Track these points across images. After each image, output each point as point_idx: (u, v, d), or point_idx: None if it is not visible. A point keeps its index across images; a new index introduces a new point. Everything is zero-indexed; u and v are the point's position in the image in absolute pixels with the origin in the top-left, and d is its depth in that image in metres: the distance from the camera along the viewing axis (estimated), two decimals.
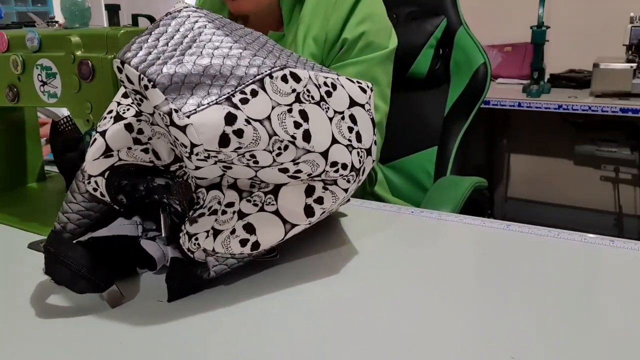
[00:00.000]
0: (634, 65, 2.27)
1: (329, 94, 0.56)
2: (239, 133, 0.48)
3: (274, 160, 0.51)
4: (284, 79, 0.52)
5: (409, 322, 0.51)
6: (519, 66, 2.80)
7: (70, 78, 0.68)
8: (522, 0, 2.80)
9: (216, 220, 0.55)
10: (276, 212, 0.55)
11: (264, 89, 0.51)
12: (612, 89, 2.30)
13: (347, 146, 0.56)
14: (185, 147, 0.48)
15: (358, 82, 0.62)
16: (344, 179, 0.57)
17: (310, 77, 0.55)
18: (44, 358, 0.47)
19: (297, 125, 0.52)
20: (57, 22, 0.97)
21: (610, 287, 0.58)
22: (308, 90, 0.54)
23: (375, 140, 0.61)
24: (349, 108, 0.58)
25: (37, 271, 0.62)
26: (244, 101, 0.49)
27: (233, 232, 0.55)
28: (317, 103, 0.55)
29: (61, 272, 0.54)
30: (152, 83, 0.48)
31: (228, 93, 0.49)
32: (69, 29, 0.71)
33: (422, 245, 0.68)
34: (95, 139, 0.58)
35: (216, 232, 0.54)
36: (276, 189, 0.55)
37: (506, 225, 0.73)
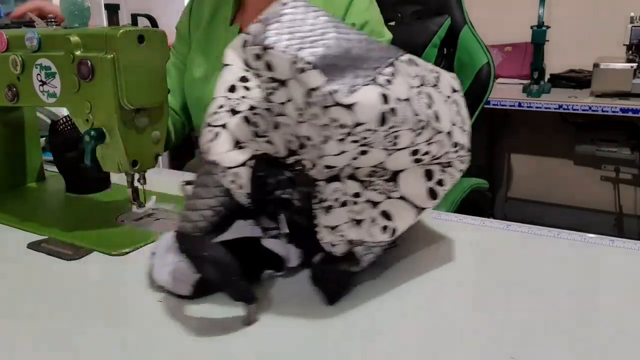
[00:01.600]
0: (634, 65, 2.26)
1: (437, 79, 0.58)
2: (393, 111, 0.49)
3: (412, 142, 0.52)
4: (410, 62, 0.54)
5: (409, 322, 0.51)
6: (519, 66, 2.80)
7: (69, 78, 0.68)
8: (522, 0, 2.80)
9: (351, 211, 0.54)
10: (402, 198, 0.56)
11: (398, 71, 0.52)
12: (612, 89, 2.30)
13: (460, 127, 0.58)
14: (344, 127, 0.48)
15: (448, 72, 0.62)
16: (460, 160, 0.59)
17: (426, 67, 0.57)
18: (43, 358, 0.46)
19: (428, 106, 0.53)
20: (56, 22, 0.97)
21: (610, 287, 0.58)
22: (424, 75, 0.56)
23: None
24: (452, 93, 0.59)
25: (37, 271, 0.62)
26: (388, 82, 0.50)
27: (373, 220, 0.55)
28: (434, 86, 0.56)
29: (210, 273, 0.52)
30: (311, 65, 0.47)
31: (373, 75, 0.49)
32: (68, 28, 0.71)
33: (421, 245, 0.68)
34: (216, 133, 0.57)
35: (358, 222, 0.54)
36: (394, 176, 0.56)
37: (506, 225, 0.73)
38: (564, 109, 2.31)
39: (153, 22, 3.05)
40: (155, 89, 0.69)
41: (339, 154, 0.51)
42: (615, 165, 2.79)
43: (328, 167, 0.53)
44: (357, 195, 0.55)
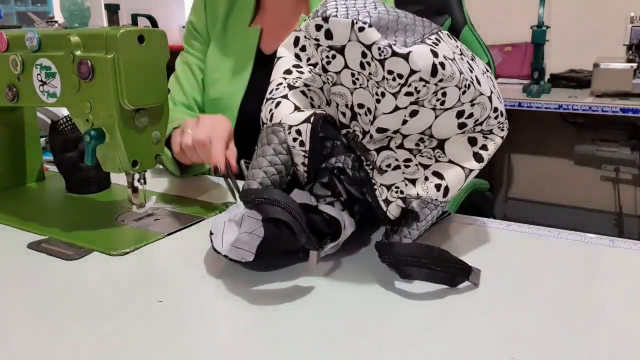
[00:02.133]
0: (634, 65, 2.27)
1: (473, 56, 0.64)
2: (443, 65, 0.54)
3: (459, 100, 0.57)
4: (450, 36, 0.61)
5: (409, 322, 0.51)
6: (519, 66, 2.80)
7: (69, 78, 0.68)
8: (522, 0, 2.80)
9: (404, 172, 0.61)
10: (450, 162, 0.62)
11: (442, 39, 0.58)
12: (613, 89, 2.30)
13: (497, 96, 0.62)
14: (401, 77, 0.54)
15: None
16: (500, 126, 0.63)
17: (456, 45, 0.61)
18: (43, 358, 0.46)
19: (470, 70, 0.59)
20: (56, 21, 0.97)
21: (610, 287, 0.58)
22: (463, 48, 0.62)
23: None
24: (486, 71, 0.64)
25: (37, 271, 0.62)
26: (435, 44, 0.56)
27: (426, 178, 0.61)
28: (472, 59, 0.62)
29: (279, 214, 0.54)
30: (367, 24, 0.54)
31: (421, 38, 0.56)
32: (68, 28, 0.71)
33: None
34: (278, 102, 0.64)
35: (412, 180, 0.61)
36: (441, 144, 0.61)
37: (506, 225, 0.73)
38: (564, 109, 2.31)
39: (153, 22, 3.06)
40: (155, 89, 0.69)
41: (392, 112, 0.57)
42: (615, 165, 2.79)
43: (380, 130, 0.59)
44: (408, 160, 0.61)
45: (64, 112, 0.89)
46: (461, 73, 0.56)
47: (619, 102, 2.24)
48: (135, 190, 0.74)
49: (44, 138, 0.98)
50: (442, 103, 0.57)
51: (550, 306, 0.53)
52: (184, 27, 3.75)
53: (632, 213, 2.81)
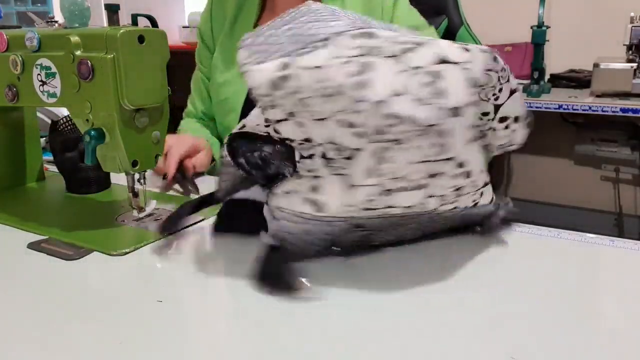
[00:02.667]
0: (634, 65, 2.26)
1: (406, 50, 0.56)
2: (285, 78, 0.54)
3: (327, 109, 0.54)
4: (355, 37, 0.56)
5: (409, 322, 0.51)
6: (519, 66, 2.80)
7: (69, 78, 0.68)
8: (522, 0, 2.80)
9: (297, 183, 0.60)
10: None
11: (332, 44, 0.55)
12: (613, 89, 2.30)
13: (412, 100, 0.54)
14: (252, 93, 0.55)
15: (462, 45, 0.58)
16: (399, 135, 0.54)
17: (388, 37, 0.56)
18: (43, 357, 0.46)
19: (353, 74, 0.54)
20: (56, 21, 0.97)
21: (610, 287, 0.58)
22: (379, 47, 0.55)
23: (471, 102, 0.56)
24: (433, 64, 0.55)
25: (37, 271, 0.62)
26: (305, 54, 0.55)
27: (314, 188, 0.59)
28: (389, 57, 0.55)
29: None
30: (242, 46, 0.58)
31: (295, 50, 0.55)
32: (68, 28, 0.71)
33: (420, 245, 0.68)
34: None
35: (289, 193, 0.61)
36: (350, 156, 0.56)
37: None
38: (564, 109, 2.31)
39: (153, 22, 3.06)
40: (155, 89, 0.69)
41: (277, 122, 0.58)
42: (615, 165, 2.79)
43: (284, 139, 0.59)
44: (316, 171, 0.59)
45: (64, 112, 0.89)
46: (318, 82, 0.53)
47: (619, 102, 2.24)
48: (135, 194, 0.74)
49: (44, 138, 0.98)
50: (311, 114, 0.55)
51: (550, 306, 0.53)
52: (184, 27, 3.73)
53: (632, 213, 2.81)
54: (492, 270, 0.61)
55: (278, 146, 0.60)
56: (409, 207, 0.58)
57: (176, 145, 0.91)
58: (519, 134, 0.65)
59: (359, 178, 0.55)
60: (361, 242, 0.63)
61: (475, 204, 0.62)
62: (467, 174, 0.59)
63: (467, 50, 0.57)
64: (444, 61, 0.55)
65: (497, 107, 0.60)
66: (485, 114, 0.60)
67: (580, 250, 0.66)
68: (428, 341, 0.48)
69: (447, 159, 0.56)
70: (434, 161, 0.55)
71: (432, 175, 0.56)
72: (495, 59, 0.58)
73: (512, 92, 0.61)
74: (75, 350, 0.47)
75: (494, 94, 0.59)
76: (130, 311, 0.53)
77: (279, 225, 0.60)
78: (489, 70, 0.58)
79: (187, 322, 0.51)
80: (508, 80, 0.60)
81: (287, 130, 0.58)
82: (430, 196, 0.58)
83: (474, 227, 0.68)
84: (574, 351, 0.46)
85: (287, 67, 0.54)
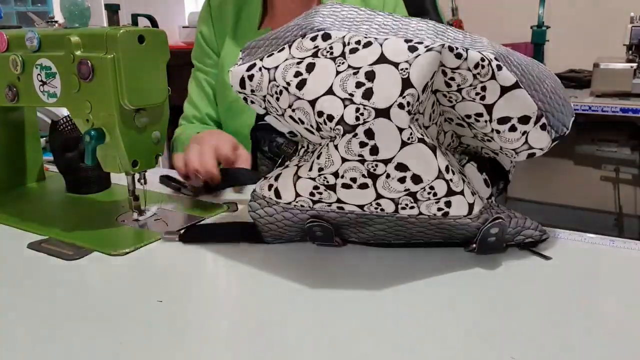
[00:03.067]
0: (634, 65, 2.26)
1: (353, 50, 0.58)
2: (250, 78, 0.61)
3: (280, 106, 0.60)
4: (313, 39, 0.60)
5: (410, 322, 0.51)
6: None
7: (69, 78, 0.68)
8: (522, 0, 2.80)
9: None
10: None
11: (290, 47, 0.60)
12: (613, 89, 2.30)
13: (343, 99, 0.56)
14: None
15: (417, 41, 0.57)
16: (331, 133, 0.57)
17: (343, 37, 0.59)
18: (43, 358, 0.46)
19: (296, 74, 0.58)
20: (56, 21, 0.97)
21: (610, 287, 0.58)
22: (331, 47, 0.59)
23: (405, 102, 0.55)
24: (371, 64, 0.56)
25: (37, 271, 0.62)
26: (269, 56, 0.61)
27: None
28: (333, 58, 0.58)
29: None
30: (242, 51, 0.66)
31: (268, 52, 0.62)
32: (68, 28, 0.71)
33: (412, 255, 0.68)
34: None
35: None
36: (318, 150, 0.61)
37: None
38: None
39: (153, 22, 3.06)
40: (155, 89, 0.69)
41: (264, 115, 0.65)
42: (615, 165, 2.79)
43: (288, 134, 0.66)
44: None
45: (64, 112, 0.89)
46: (272, 81, 0.59)
47: (619, 102, 2.24)
48: (136, 198, 0.74)
49: (44, 138, 0.98)
50: (274, 107, 0.61)
51: (550, 306, 0.53)
52: (184, 27, 3.73)
53: (632, 213, 2.81)
54: (491, 269, 0.61)
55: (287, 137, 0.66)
56: (362, 205, 0.59)
57: (219, 140, 0.85)
58: (534, 138, 0.59)
59: (303, 170, 0.60)
60: (327, 236, 0.65)
61: (445, 213, 0.59)
62: (415, 179, 0.56)
63: (414, 49, 0.56)
64: (383, 61, 0.56)
65: (488, 107, 0.58)
66: (479, 115, 0.59)
67: (580, 250, 0.66)
68: (428, 341, 0.48)
69: (384, 160, 0.55)
70: (371, 161, 0.55)
71: (372, 176, 0.56)
72: (459, 55, 0.55)
73: (505, 89, 0.57)
74: (75, 350, 0.47)
75: (476, 93, 0.57)
76: (130, 311, 0.53)
77: (252, 207, 0.66)
78: (454, 69, 0.56)
79: (187, 322, 0.51)
80: (493, 78, 0.56)
81: (273, 122, 0.65)
82: (380, 197, 0.57)
83: (468, 244, 0.64)
84: (574, 351, 0.46)
85: (252, 68, 0.61)
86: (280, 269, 0.61)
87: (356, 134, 0.55)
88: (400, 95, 0.54)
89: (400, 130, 0.54)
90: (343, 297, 0.55)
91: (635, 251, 0.65)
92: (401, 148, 0.55)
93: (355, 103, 0.55)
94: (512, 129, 0.59)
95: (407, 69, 0.55)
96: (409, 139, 0.55)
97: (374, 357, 0.46)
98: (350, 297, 0.55)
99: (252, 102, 0.64)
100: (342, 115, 0.55)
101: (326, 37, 0.59)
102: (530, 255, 0.64)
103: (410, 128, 0.54)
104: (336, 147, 0.56)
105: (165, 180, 0.91)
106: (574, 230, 0.70)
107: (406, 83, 0.54)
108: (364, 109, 0.55)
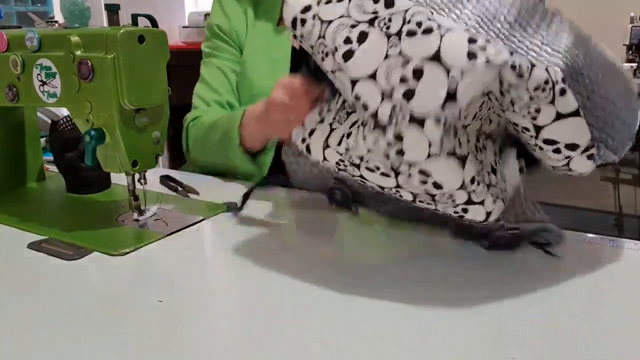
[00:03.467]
0: (634, 65, 2.27)
1: (411, 33, 0.51)
2: (303, 22, 0.58)
3: (324, 65, 0.58)
4: (376, 1, 0.54)
5: (410, 322, 0.51)
6: None
7: (69, 78, 0.68)
8: None
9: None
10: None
11: (349, 1, 0.56)
12: None
13: (383, 92, 0.52)
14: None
15: (471, 44, 0.50)
16: (364, 117, 0.55)
17: (406, 10, 0.52)
18: (44, 357, 0.46)
19: (347, 40, 0.55)
20: (56, 21, 0.97)
21: (610, 287, 0.58)
22: (389, 20, 0.53)
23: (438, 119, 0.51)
24: (423, 59, 0.50)
25: (37, 271, 0.62)
26: (327, 2, 0.57)
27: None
28: (388, 35, 0.53)
29: None
30: None
31: None
32: (68, 28, 0.71)
33: (420, 245, 0.68)
34: None
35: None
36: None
37: None
38: None
39: (153, 22, 3.05)
40: (155, 89, 0.69)
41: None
42: (615, 165, 2.79)
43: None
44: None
45: (64, 112, 0.89)
46: (320, 38, 0.56)
47: None
48: (136, 198, 0.74)
49: (44, 138, 0.98)
50: (322, 58, 0.58)
51: (550, 306, 0.53)
52: (184, 27, 3.72)
53: (632, 213, 2.81)
54: (491, 269, 0.61)
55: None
56: (382, 188, 0.58)
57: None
58: (577, 164, 0.56)
59: (333, 140, 0.59)
60: (345, 202, 0.71)
61: (461, 217, 0.59)
62: (436, 185, 0.54)
63: (473, 56, 0.49)
64: (436, 59, 0.50)
65: (537, 127, 0.54)
66: (526, 129, 0.55)
67: (580, 250, 0.66)
68: (428, 341, 0.48)
69: (408, 162, 0.53)
70: (395, 159, 0.54)
71: (394, 171, 0.55)
72: (520, 75, 0.50)
73: (561, 115, 0.52)
74: (75, 350, 0.47)
75: (529, 112, 0.52)
76: (130, 311, 0.53)
77: (285, 151, 0.72)
78: (511, 84, 0.51)
79: (187, 322, 0.51)
80: (552, 102, 0.51)
81: (319, 60, 0.59)
82: (400, 187, 0.56)
83: (479, 240, 0.65)
84: (575, 351, 0.46)
85: (307, 11, 0.58)
86: (282, 269, 0.61)
87: (385, 133, 0.52)
88: (442, 107, 0.50)
89: (430, 144, 0.51)
90: (345, 298, 0.55)
91: (635, 251, 0.65)
92: (427, 158, 0.52)
93: (393, 100, 0.51)
94: (557, 151, 0.55)
95: (457, 78, 0.49)
96: (438, 152, 0.52)
97: (373, 355, 0.46)
98: (350, 297, 0.55)
99: (301, 42, 0.60)
100: (377, 111, 0.52)
101: (389, 4, 0.53)
102: (533, 254, 0.64)
103: (442, 141, 0.51)
104: (364, 138, 0.54)
105: (165, 180, 0.91)
106: (574, 230, 0.70)
107: (451, 96, 0.49)
108: (400, 110, 0.51)
